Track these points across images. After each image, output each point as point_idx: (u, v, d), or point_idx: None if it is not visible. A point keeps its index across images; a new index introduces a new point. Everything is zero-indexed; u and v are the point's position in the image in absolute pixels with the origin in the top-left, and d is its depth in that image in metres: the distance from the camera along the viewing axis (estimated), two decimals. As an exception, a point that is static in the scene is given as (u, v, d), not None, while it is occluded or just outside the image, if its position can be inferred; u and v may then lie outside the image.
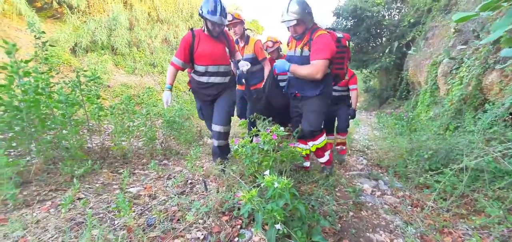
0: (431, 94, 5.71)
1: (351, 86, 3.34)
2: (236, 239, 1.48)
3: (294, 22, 2.13)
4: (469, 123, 2.88)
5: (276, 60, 2.43)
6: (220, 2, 2.18)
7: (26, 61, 2.11)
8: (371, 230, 1.78)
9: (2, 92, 2.01)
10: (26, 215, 1.59)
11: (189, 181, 2.28)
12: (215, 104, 2.47)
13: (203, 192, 2.03)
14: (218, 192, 1.89)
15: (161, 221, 1.56)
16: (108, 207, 1.76)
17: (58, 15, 7.75)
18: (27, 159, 2.19)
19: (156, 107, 4.29)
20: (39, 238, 1.37)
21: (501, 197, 1.88)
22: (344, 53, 2.44)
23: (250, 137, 2.16)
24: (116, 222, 1.57)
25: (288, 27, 2.23)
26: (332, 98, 2.54)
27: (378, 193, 2.44)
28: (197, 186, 2.19)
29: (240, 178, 1.99)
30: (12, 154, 2.32)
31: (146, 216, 1.65)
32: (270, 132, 1.86)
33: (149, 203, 1.85)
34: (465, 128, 2.90)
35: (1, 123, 1.98)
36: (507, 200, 1.81)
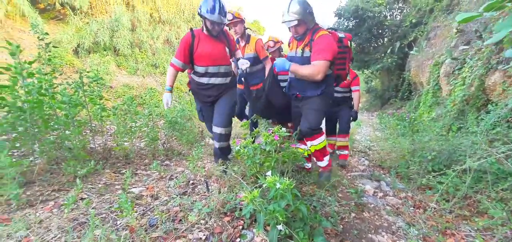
0: (433, 95, 5.69)
1: (353, 88, 3.30)
2: (238, 239, 1.48)
3: (295, 22, 2.10)
4: (472, 124, 2.86)
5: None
6: (219, 0, 2.13)
7: (30, 63, 2.13)
8: (373, 231, 1.78)
9: (6, 93, 2.02)
10: (29, 215, 1.60)
11: (191, 182, 2.29)
12: (215, 106, 2.43)
13: (205, 192, 2.04)
14: (220, 192, 1.90)
15: (163, 221, 1.57)
16: (110, 207, 1.77)
17: (61, 17, 7.81)
18: (31, 159, 2.21)
19: (158, 108, 4.31)
20: (42, 238, 1.38)
21: (505, 198, 1.87)
22: (346, 53, 2.42)
23: (252, 138, 2.16)
24: (118, 222, 1.58)
25: (289, 28, 2.20)
26: (333, 99, 2.52)
27: (380, 194, 2.44)
28: (199, 186, 2.20)
29: (242, 178, 2.00)
30: (16, 154, 2.34)
31: (148, 217, 1.66)
32: (272, 132, 1.87)
33: (151, 204, 1.85)
34: (468, 128, 2.89)
35: (4, 124, 2.00)
36: (510, 201, 1.80)
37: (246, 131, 3.72)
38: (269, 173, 1.44)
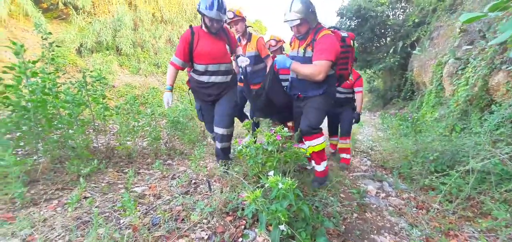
0: (436, 95, 5.66)
1: (356, 89, 3.23)
2: (240, 239, 1.48)
3: (297, 21, 2.06)
4: (475, 124, 2.85)
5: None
6: None
7: (34, 62, 2.14)
8: (375, 232, 1.77)
9: (10, 92, 2.04)
10: (34, 213, 1.62)
11: (193, 181, 2.29)
12: (216, 106, 2.40)
13: (207, 192, 2.04)
14: (222, 192, 1.90)
15: (166, 220, 1.57)
16: (113, 206, 1.78)
17: (64, 16, 7.85)
18: (34, 158, 2.23)
19: (160, 107, 4.32)
20: (46, 237, 1.39)
21: (508, 199, 1.86)
22: (349, 53, 2.38)
23: (254, 138, 2.16)
24: (121, 221, 1.59)
25: (291, 27, 2.16)
26: (336, 99, 2.49)
27: (383, 195, 2.43)
28: (201, 186, 2.20)
29: (244, 178, 2.00)
30: (20, 153, 2.36)
31: (151, 216, 1.67)
32: (274, 132, 1.87)
33: (154, 203, 1.86)
34: (471, 129, 2.87)
35: (9, 123, 2.01)
36: (514, 202, 1.79)
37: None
38: (271, 173, 1.44)
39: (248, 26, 3.11)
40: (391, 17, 11.90)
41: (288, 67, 2.10)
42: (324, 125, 2.68)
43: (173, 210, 1.73)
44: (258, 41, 2.97)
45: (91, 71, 2.82)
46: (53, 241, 1.37)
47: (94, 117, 2.75)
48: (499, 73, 3.43)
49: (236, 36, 2.94)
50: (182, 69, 2.30)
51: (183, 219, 1.62)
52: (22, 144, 2.16)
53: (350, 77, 2.96)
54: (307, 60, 2.11)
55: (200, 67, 2.26)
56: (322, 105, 2.21)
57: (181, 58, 2.21)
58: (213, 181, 2.24)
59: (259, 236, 1.50)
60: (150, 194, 2.00)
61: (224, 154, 2.44)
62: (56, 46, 2.78)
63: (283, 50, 3.43)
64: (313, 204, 1.91)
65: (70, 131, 2.45)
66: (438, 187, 2.18)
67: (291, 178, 1.48)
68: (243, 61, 2.34)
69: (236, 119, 2.92)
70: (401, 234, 1.78)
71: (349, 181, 2.64)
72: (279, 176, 1.37)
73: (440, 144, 2.76)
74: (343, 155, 3.28)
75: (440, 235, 1.71)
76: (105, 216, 1.65)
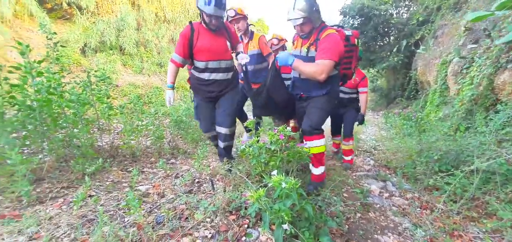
0: (440, 94, 5.61)
1: (360, 89, 3.12)
2: (243, 238, 1.49)
3: (301, 20, 2.00)
4: (480, 124, 2.82)
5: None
6: None
7: (39, 62, 2.16)
8: (379, 232, 1.77)
9: (16, 91, 2.07)
10: (40, 211, 1.64)
11: (197, 180, 2.30)
12: (218, 105, 2.38)
13: (210, 191, 2.05)
14: (225, 191, 1.91)
15: (170, 219, 1.59)
16: (118, 204, 1.80)
17: (68, 16, 7.92)
18: (40, 156, 2.25)
19: (163, 107, 4.35)
20: (52, 234, 1.41)
21: (514, 200, 1.84)
22: (353, 52, 2.34)
23: (256, 137, 2.15)
24: (126, 219, 1.60)
25: (294, 26, 2.10)
26: (339, 100, 2.45)
27: (386, 195, 2.42)
28: (204, 185, 2.21)
29: (247, 177, 2.00)
30: (26, 151, 2.39)
31: (155, 214, 1.68)
32: (278, 131, 1.87)
33: (158, 201, 1.87)
34: (476, 129, 2.84)
35: (15, 122, 2.04)
36: (520, 203, 1.77)
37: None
38: (274, 172, 1.44)
39: (250, 25, 3.09)
40: (394, 15, 11.80)
41: (290, 65, 2.05)
42: (327, 124, 2.66)
43: (177, 208, 1.74)
44: (260, 39, 2.95)
45: (95, 71, 2.84)
46: (59, 239, 1.39)
47: (98, 117, 2.77)
48: (504, 72, 3.39)
49: (238, 35, 2.91)
50: (182, 66, 2.26)
51: (186, 218, 1.63)
52: (28, 142, 2.18)
53: (354, 77, 2.92)
54: (310, 60, 2.06)
55: (200, 64, 2.22)
56: (325, 106, 2.16)
57: (181, 55, 2.17)
58: (216, 180, 2.25)
59: (262, 235, 1.50)
60: (154, 193, 2.01)
61: (227, 153, 2.45)
62: (61, 46, 2.81)
63: (285, 49, 3.41)
64: (316, 204, 1.91)
65: (75, 130, 2.48)
66: (442, 187, 2.17)
67: (294, 177, 1.48)
68: (243, 58, 2.29)
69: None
70: (405, 234, 1.77)
71: (352, 181, 2.63)
72: (282, 175, 1.37)
73: (444, 143, 2.74)
74: (346, 157, 3.21)
75: (444, 236, 1.70)
76: (110, 214, 1.66)
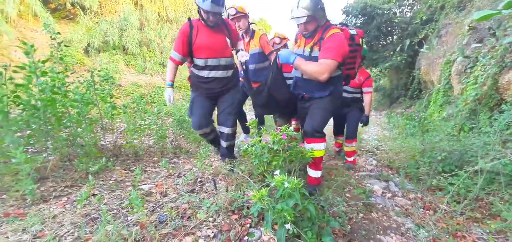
0: (444, 93, 5.57)
1: (365, 89, 3.02)
2: (246, 237, 1.49)
3: (305, 18, 1.94)
4: (484, 124, 2.80)
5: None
6: None
7: (43, 62, 2.18)
8: (381, 232, 1.76)
9: (21, 91, 2.09)
10: (44, 210, 1.65)
11: (199, 179, 2.31)
12: (219, 104, 2.36)
13: (212, 190, 2.06)
14: (227, 190, 1.91)
15: (173, 218, 1.59)
16: (121, 203, 1.81)
17: (71, 16, 7.98)
18: (44, 155, 2.27)
19: (166, 106, 4.36)
20: (56, 233, 1.42)
21: (518, 201, 1.82)
22: (357, 51, 2.28)
23: (259, 136, 2.15)
24: (129, 218, 1.61)
25: (298, 24, 2.04)
26: (343, 99, 2.41)
27: (389, 195, 2.41)
28: (206, 184, 2.21)
29: (249, 177, 2.01)
30: (30, 150, 2.41)
31: (158, 213, 1.69)
32: (280, 131, 1.86)
33: (161, 200, 1.88)
34: (480, 129, 2.82)
35: (19, 121, 2.05)
36: (524, 204, 1.75)
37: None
38: (277, 172, 1.44)
39: (251, 23, 3.07)
40: (398, 14, 11.73)
41: (291, 63, 1.99)
42: (329, 124, 2.64)
43: (180, 208, 1.75)
44: (261, 37, 2.92)
45: (98, 71, 2.86)
46: (63, 237, 1.40)
47: (102, 116, 2.79)
48: (509, 71, 3.36)
49: (239, 33, 2.88)
50: (181, 64, 2.23)
51: (189, 217, 1.64)
52: (32, 141, 2.20)
53: (358, 76, 2.86)
54: (313, 60, 2.00)
55: (199, 62, 2.19)
56: (328, 107, 2.12)
57: (180, 52, 2.14)
58: (218, 179, 2.25)
59: (264, 235, 1.50)
60: (156, 192, 2.02)
61: (229, 153, 2.45)
62: (65, 46, 2.83)
63: (288, 48, 3.39)
64: (319, 204, 1.91)
65: (79, 129, 2.49)
66: (445, 187, 2.15)
67: (296, 177, 1.48)
68: (243, 56, 2.24)
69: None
70: (407, 234, 1.76)
71: (355, 181, 2.62)
72: (284, 175, 1.37)
73: (448, 143, 2.72)
74: (349, 158, 3.15)
75: (447, 236, 1.68)
76: (113, 213, 1.67)
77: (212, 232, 1.50)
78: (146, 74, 8.88)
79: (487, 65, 3.83)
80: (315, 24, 2.02)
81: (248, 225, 1.58)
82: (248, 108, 7.28)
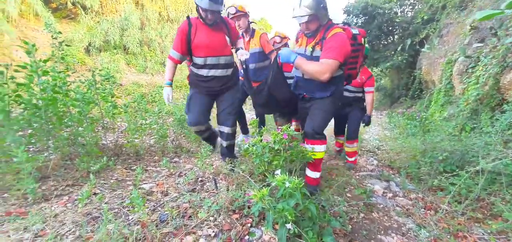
0: (445, 93, 5.55)
1: (366, 89, 2.99)
2: (247, 237, 1.49)
3: (307, 17, 1.90)
4: (485, 124, 2.79)
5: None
6: None
7: (45, 61, 2.19)
8: (382, 232, 1.76)
9: (22, 90, 2.09)
10: (45, 209, 1.66)
11: (200, 179, 2.31)
12: (219, 104, 2.35)
13: (213, 189, 2.06)
14: (228, 190, 1.92)
15: (173, 217, 1.59)
16: (122, 202, 1.81)
17: (73, 16, 7.99)
18: (45, 154, 2.28)
19: (167, 105, 4.36)
20: (57, 232, 1.43)
21: (520, 201, 1.82)
22: (359, 51, 2.26)
23: (259, 136, 2.15)
24: (130, 217, 1.62)
25: (300, 23, 2.00)
26: (344, 99, 2.39)
27: (390, 195, 2.40)
28: (207, 183, 2.22)
29: (250, 176, 2.01)
30: (31, 149, 2.41)
31: (158, 212, 1.69)
32: (281, 131, 1.86)
33: (162, 200, 1.88)
34: (482, 129, 2.82)
35: (21, 120, 2.06)
36: (526, 204, 1.75)
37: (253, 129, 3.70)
38: (278, 171, 1.44)
39: (251, 22, 3.06)
40: (399, 14, 11.71)
41: (292, 62, 1.96)
42: (330, 124, 2.63)
43: (180, 207, 1.75)
44: (261, 37, 2.91)
45: (100, 70, 2.86)
46: (64, 236, 1.40)
47: (103, 115, 2.79)
48: (511, 71, 3.34)
49: (239, 32, 2.84)
50: (180, 62, 2.21)
51: (190, 216, 1.64)
52: (33, 141, 2.21)
53: (359, 75, 2.81)
54: (315, 59, 1.98)
55: (198, 60, 2.17)
56: (329, 108, 2.10)
57: (179, 51, 2.13)
58: (219, 179, 2.25)
59: (265, 234, 1.50)
60: (157, 191, 2.03)
61: (229, 152, 2.45)
62: (66, 45, 2.84)
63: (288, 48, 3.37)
64: (320, 203, 1.91)
65: (80, 129, 2.50)
66: (447, 187, 2.15)
67: (297, 176, 1.48)
68: (243, 55, 2.22)
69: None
70: (408, 234, 1.76)
71: (356, 181, 2.62)
72: (285, 175, 1.37)
73: (449, 143, 2.71)
74: (350, 158, 3.12)
75: (448, 237, 1.68)
76: (114, 212, 1.68)
77: (213, 232, 1.50)
78: (147, 73, 8.89)
79: (489, 65, 3.82)
80: (317, 23, 1.99)
81: (249, 225, 1.59)
82: (249, 108, 7.28)
